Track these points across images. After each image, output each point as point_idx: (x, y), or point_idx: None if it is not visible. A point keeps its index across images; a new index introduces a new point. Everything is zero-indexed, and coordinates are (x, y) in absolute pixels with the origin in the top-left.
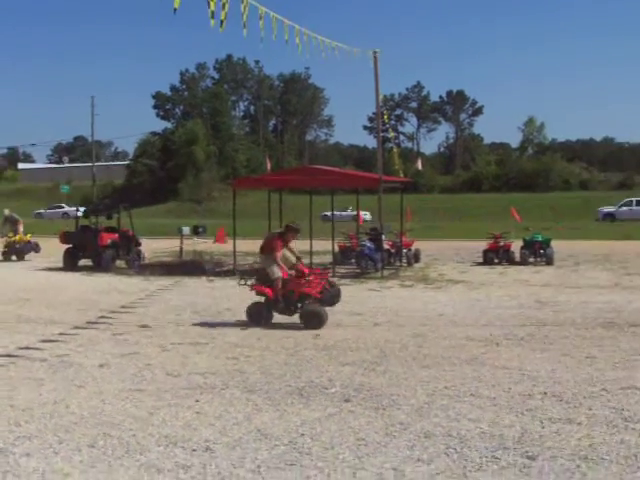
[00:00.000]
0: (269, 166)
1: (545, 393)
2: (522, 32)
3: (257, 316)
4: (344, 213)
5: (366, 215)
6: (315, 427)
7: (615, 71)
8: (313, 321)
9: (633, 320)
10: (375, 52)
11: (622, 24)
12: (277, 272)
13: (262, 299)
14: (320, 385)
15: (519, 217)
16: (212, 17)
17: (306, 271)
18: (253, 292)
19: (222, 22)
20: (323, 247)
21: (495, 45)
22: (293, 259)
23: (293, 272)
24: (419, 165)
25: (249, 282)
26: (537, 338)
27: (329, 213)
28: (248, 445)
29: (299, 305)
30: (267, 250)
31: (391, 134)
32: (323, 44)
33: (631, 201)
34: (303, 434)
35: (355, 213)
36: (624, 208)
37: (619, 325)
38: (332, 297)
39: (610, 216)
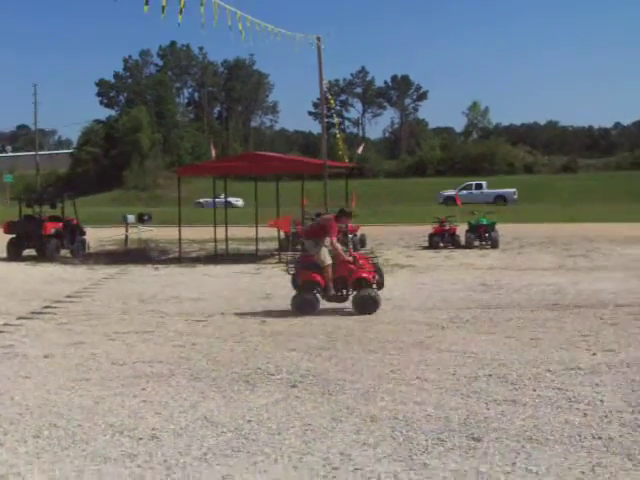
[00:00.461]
0: (214, 153)
1: (490, 375)
2: (466, 17)
3: (306, 306)
4: (216, 199)
5: (238, 202)
6: (262, 413)
7: (558, 55)
8: (369, 306)
9: (577, 302)
10: (318, 38)
11: (565, 6)
12: (328, 258)
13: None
14: (266, 371)
15: (460, 201)
16: (146, 3)
17: (358, 256)
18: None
19: (163, 8)
20: (269, 233)
21: (439, 30)
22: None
23: (351, 258)
24: (360, 150)
25: (292, 270)
26: (482, 321)
27: (202, 200)
28: (194, 432)
29: (351, 291)
30: (316, 235)
31: (335, 119)
32: (266, 30)
33: (471, 185)
34: (250, 420)
35: (227, 200)
36: (464, 192)
37: (563, 307)
38: (382, 281)
39: (450, 199)
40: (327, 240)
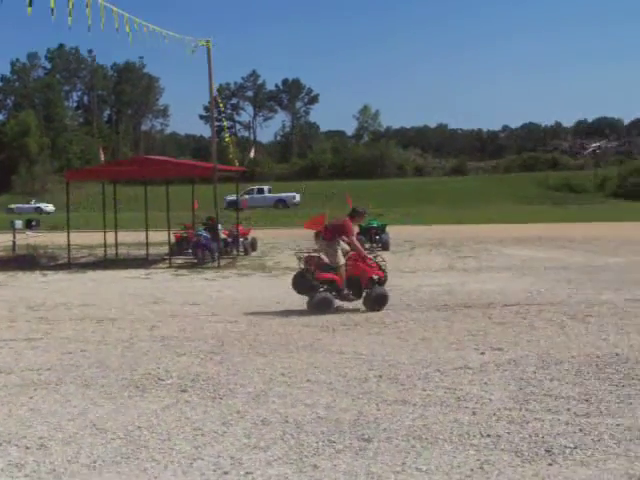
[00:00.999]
0: (103, 157)
1: (380, 376)
2: (356, 23)
3: (324, 305)
4: (26, 205)
5: (48, 207)
6: (151, 419)
7: (446, 59)
8: (381, 303)
9: (466, 302)
10: (208, 41)
11: (452, 12)
12: (342, 259)
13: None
14: (157, 377)
15: (350, 202)
16: (30, 5)
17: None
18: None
19: (52, 10)
20: (159, 238)
21: (330, 34)
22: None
23: (371, 256)
24: (252, 153)
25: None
26: (373, 322)
27: (14, 206)
28: (83, 440)
29: (364, 290)
30: (332, 236)
31: (224, 123)
32: (154, 33)
33: (253, 189)
34: (139, 427)
35: (38, 205)
36: (246, 196)
37: (453, 307)
38: (386, 279)
39: (233, 204)
40: (340, 241)
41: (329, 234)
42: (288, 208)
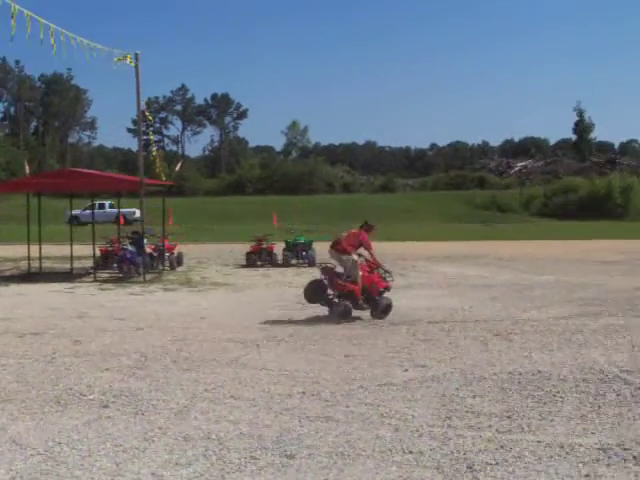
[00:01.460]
0: (28, 169)
1: (304, 392)
2: (285, 39)
3: (346, 314)
4: None
5: None
6: (72, 435)
7: (373, 75)
8: (388, 312)
9: (392, 319)
10: (136, 54)
11: (380, 29)
12: (359, 270)
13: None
14: (78, 392)
15: (275, 219)
16: None
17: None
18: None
19: None
20: (84, 252)
21: (259, 50)
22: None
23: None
24: (178, 167)
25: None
26: (297, 338)
27: None
28: (2, 456)
29: (376, 299)
30: (352, 249)
31: (151, 137)
32: (82, 45)
33: (94, 204)
34: (60, 442)
35: None
36: (87, 211)
37: (378, 324)
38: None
39: (75, 219)
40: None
41: (353, 248)
42: (130, 225)
